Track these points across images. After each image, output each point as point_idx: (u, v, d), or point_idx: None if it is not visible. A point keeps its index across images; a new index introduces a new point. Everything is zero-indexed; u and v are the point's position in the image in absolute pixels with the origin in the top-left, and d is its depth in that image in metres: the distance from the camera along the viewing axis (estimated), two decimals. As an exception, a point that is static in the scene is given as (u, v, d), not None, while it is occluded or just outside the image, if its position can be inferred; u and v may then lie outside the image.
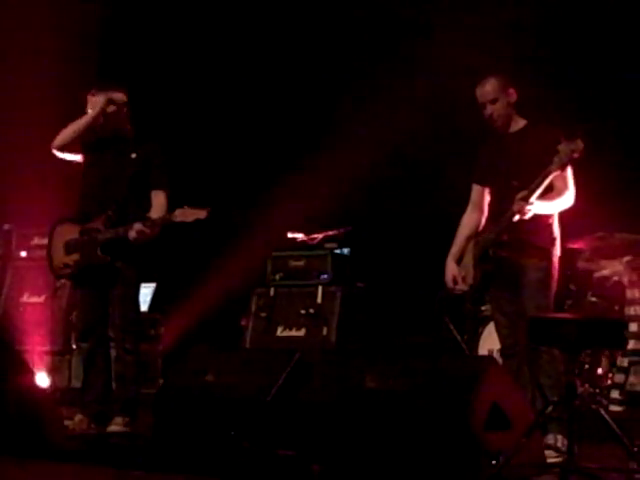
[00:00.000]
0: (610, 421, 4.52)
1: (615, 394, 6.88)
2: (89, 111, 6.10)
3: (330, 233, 7.30)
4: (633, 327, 7.07)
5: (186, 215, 5.73)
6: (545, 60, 8.16)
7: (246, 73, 9.18)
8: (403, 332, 7.33)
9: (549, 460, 4.93)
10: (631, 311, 7.25)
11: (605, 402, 6.72)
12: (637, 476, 4.42)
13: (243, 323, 7.39)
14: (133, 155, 6.06)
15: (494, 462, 4.29)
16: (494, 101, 5.50)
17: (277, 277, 7.13)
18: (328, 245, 7.21)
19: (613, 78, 8.10)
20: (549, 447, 5.09)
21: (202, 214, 5.72)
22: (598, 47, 8.13)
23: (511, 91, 5.53)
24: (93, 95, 6.12)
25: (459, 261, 5.74)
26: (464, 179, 5.91)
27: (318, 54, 8.79)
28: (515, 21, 8.17)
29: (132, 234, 5.82)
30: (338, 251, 7.15)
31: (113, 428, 5.94)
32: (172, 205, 5.90)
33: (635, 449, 4.46)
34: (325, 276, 6.97)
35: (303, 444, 4.65)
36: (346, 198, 8.35)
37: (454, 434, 4.28)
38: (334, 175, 8.22)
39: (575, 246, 7.27)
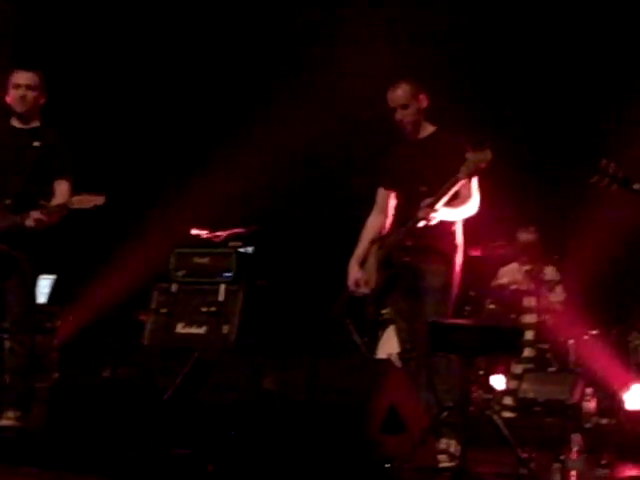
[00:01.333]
0: (502, 427, 4.59)
1: (508, 400, 7.02)
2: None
3: (235, 231, 7.25)
4: (528, 335, 7.22)
5: (83, 201, 5.61)
6: (455, 68, 8.27)
7: (155, 62, 9.06)
8: (304, 333, 7.32)
9: (441, 465, 4.98)
10: (527, 319, 7.41)
11: (498, 408, 6.84)
12: (526, 482, 4.50)
13: (142, 318, 7.30)
14: (36, 143, 5.93)
15: (388, 465, 4.32)
16: (405, 106, 5.53)
17: (180, 273, 7.05)
18: (233, 243, 7.15)
19: (522, 88, 8.27)
20: (442, 452, 5.14)
21: (100, 200, 5.61)
22: (509, 55, 8.27)
23: (422, 97, 5.56)
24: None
25: (362, 264, 5.76)
26: (370, 182, 5.94)
27: (229, 52, 8.73)
28: (425, 27, 8.25)
29: (29, 222, 5.68)
30: (242, 250, 7.11)
31: (4, 422, 5.78)
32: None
33: (525, 455, 4.54)
34: (228, 274, 6.92)
35: (199, 444, 4.61)
36: (251, 197, 8.33)
37: (351, 437, 4.29)
38: (239, 173, 8.19)
39: (476, 253, 7.38)
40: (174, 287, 7.05)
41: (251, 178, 8.13)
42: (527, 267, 7.80)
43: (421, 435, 4.55)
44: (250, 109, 8.56)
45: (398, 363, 5.82)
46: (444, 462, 5.02)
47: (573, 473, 4.32)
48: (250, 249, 7.24)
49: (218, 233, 7.37)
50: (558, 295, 7.70)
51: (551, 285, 7.76)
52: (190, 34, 8.92)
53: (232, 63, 8.81)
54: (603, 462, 4.43)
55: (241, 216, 7.80)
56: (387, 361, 5.91)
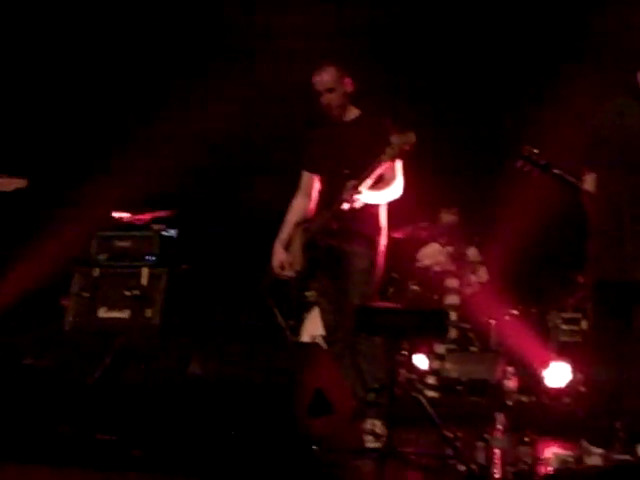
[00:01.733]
0: (429, 408, 4.65)
1: (431, 380, 7.09)
2: None
3: (158, 214, 7.18)
4: (451, 316, 7.30)
5: (4, 184, 5.52)
6: (378, 52, 8.29)
7: (71, 39, 8.88)
8: (228, 316, 7.30)
9: (368, 445, 5.02)
10: (449, 300, 7.49)
11: (421, 388, 6.91)
12: (451, 461, 4.55)
13: (64, 303, 7.19)
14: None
15: (315, 447, 4.33)
16: (331, 90, 5.53)
17: (102, 257, 6.96)
18: (155, 226, 7.08)
19: (444, 73, 8.34)
20: (368, 432, 5.18)
21: (22, 183, 5.52)
22: (431, 40, 8.32)
23: (347, 81, 5.57)
24: None
25: (287, 247, 5.75)
26: (294, 164, 5.93)
27: (152, 31, 8.61)
28: (348, 11, 8.25)
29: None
30: (165, 233, 7.04)
31: None
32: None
33: (450, 434, 4.60)
34: (151, 258, 6.85)
35: (124, 429, 4.57)
36: (174, 179, 8.24)
37: (278, 419, 4.30)
38: (161, 155, 8.10)
39: (398, 235, 7.43)
40: (96, 271, 6.97)
41: (173, 160, 8.04)
42: (449, 248, 7.88)
43: (348, 417, 4.57)
44: (172, 89, 8.47)
45: (323, 345, 5.84)
46: (370, 442, 5.07)
47: (497, 451, 4.38)
48: (173, 232, 7.19)
49: (140, 216, 7.30)
50: (480, 276, 7.80)
51: (473, 266, 7.85)
52: (112, 9, 8.76)
53: (154, 42, 8.68)
54: (526, 439, 4.50)
55: (163, 198, 7.73)
56: (313, 344, 5.92)
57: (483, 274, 7.81)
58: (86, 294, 6.83)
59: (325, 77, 5.55)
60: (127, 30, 8.63)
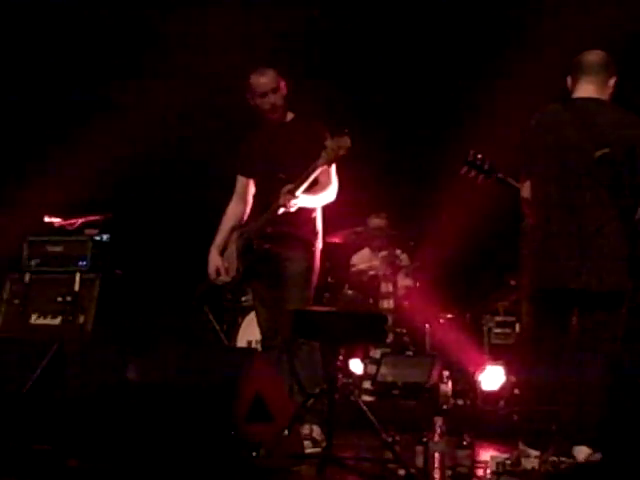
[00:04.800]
0: (368, 413, 4.64)
1: (367, 384, 7.11)
2: None
3: (90, 219, 7.08)
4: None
5: None
6: (312, 55, 8.30)
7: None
8: (163, 322, 7.23)
9: (307, 450, 5.00)
10: (384, 304, 7.52)
11: (357, 392, 6.92)
12: (391, 465, 4.55)
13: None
14: None
15: (254, 454, 4.30)
16: (275, 90, 5.53)
17: (33, 263, 6.83)
18: (88, 231, 6.98)
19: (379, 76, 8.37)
20: (306, 437, 5.17)
21: None
22: (364, 44, 8.35)
23: (283, 84, 5.58)
24: None
25: (222, 252, 5.72)
26: (229, 169, 5.90)
27: (82, 32, 8.48)
28: (282, 14, 8.23)
29: None
30: (98, 237, 6.94)
31: None
32: None
33: (389, 439, 4.60)
34: (84, 263, 6.75)
35: (60, 438, 4.49)
36: (106, 183, 8.15)
37: (216, 425, 4.26)
38: (94, 159, 7.99)
39: (334, 240, 7.44)
40: (27, 277, 6.83)
41: (106, 163, 7.94)
42: (384, 253, 7.92)
43: (287, 422, 4.55)
44: (105, 91, 8.36)
45: (260, 350, 5.82)
46: (308, 448, 5.06)
47: (436, 455, 4.39)
48: (106, 237, 7.09)
49: (72, 220, 7.19)
50: (414, 280, 7.85)
51: (407, 270, 7.90)
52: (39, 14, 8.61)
53: (84, 43, 8.55)
54: (464, 443, 4.52)
55: (96, 203, 7.62)
56: (251, 349, 5.90)
57: (416, 278, 7.87)
58: (17, 300, 6.69)
59: (268, 78, 5.55)
60: (62, 30, 8.49)
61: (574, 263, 4.63)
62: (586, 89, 4.83)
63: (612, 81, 4.87)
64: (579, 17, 7.36)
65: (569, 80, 4.92)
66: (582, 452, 4.57)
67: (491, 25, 8.05)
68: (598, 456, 4.47)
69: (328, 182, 5.53)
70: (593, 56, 4.88)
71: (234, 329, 7.51)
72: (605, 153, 4.62)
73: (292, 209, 5.33)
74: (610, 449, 3.98)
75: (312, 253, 5.55)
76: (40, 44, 8.46)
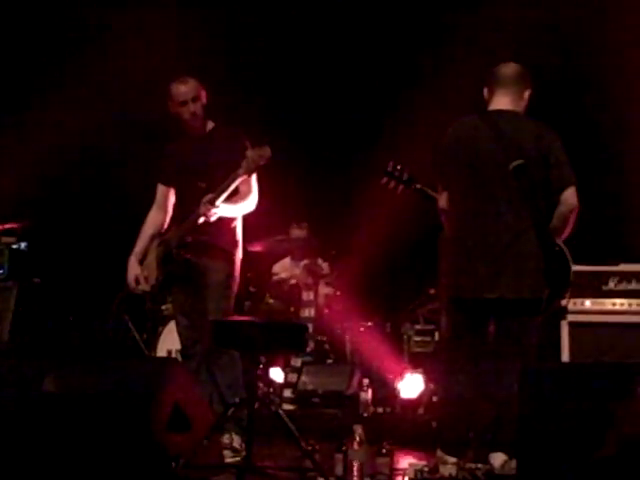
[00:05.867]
0: (288, 422, 4.65)
1: (287, 393, 7.12)
2: None
3: (7, 226, 6.99)
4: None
5: None
6: (233, 64, 8.30)
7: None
8: (81, 331, 7.16)
9: (227, 460, 5.00)
10: (305, 313, 7.55)
11: (277, 401, 6.93)
12: (310, 474, 4.57)
13: None
14: None
15: (174, 464, 4.28)
16: (195, 99, 5.52)
17: (-52, 272, 6.74)
18: (5, 239, 6.90)
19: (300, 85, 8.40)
20: (226, 447, 5.17)
21: None
22: (288, 52, 8.37)
23: (203, 93, 5.58)
24: None
25: (142, 260, 5.69)
26: (150, 177, 5.88)
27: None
28: (204, 23, 8.22)
29: None
30: (15, 246, 6.87)
31: None
32: None
33: (309, 448, 4.62)
34: (1, 271, 6.67)
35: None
36: (24, 190, 8.03)
37: (135, 436, 4.22)
38: (11, 165, 7.88)
39: (255, 249, 7.44)
40: (-59, 286, 6.73)
41: (24, 170, 7.83)
42: (305, 261, 7.95)
43: (208, 432, 4.54)
44: (25, 95, 8.24)
45: (179, 359, 5.79)
46: (228, 457, 5.06)
47: (355, 463, 4.42)
48: (23, 245, 7.01)
49: (-11, 228, 7.10)
50: (334, 289, 7.88)
51: (328, 279, 7.94)
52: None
53: (12, 41, 8.43)
54: (383, 450, 4.56)
55: (13, 210, 7.52)
56: (171, 358, 5.86)
57: (337, 287, 7.90)
58: None
59: (189, 86, 5.54)
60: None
61: (490, 272, 4.71)
62: (502, 101, 4.92)
63: (527, 93, 4.96)
64: (496, 24, 7.50)
65: (485, 91, 5.01)
66: (498, 459, 4.65)
67: (410, 34, 8.14)
68: (513, 463, 4.54)
69: (248, 192, 5.53)
70: (508, 68, 4.97)
71: (154, 338, 7.47)
72: (520, 164, 4.71)
73: (212, 218, 5.34)
74: (525, 456, 4.04)
75: (232, 262, 5.55)
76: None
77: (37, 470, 4.26)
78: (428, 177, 5.16)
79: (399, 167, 5.14)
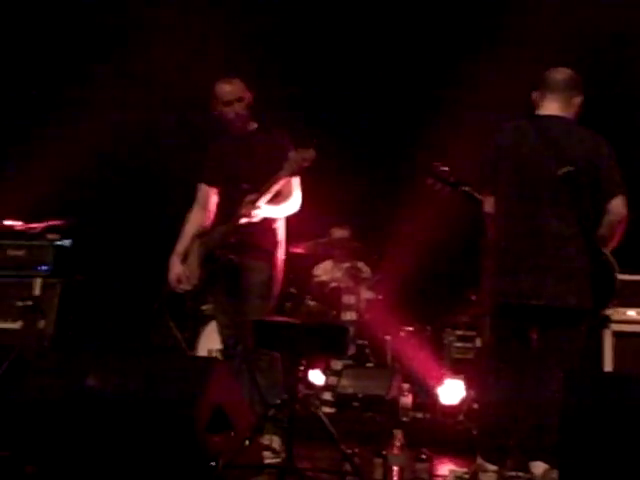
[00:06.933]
0: (329, 425, 4.64)
1: (327, 396, 7.11)
2: None
3: (52, 223, 7.05)
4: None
5: None
6: (279, 66, 8.31)
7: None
8: (124, 329, 7.20)
9: (266, 461, 4.99)
10: (347, 316, 7.53)
11: (317, 403, 6.92)
12: (349, 477, 4.56)
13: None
14: None
15: (214, 464, 4.29)
16: (240, 99, 5.53)
17: (-6, 267, 6.80)
18: (50, 236, 6.95)
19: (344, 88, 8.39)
20: (265, 448, 5.16)
21: None
22: (333, 55, 8.36)
23: (248, 94, 5.58)
24: None
25: (184, 259, 5.70)
26: (192, 177, 5.89)
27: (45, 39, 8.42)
28: (246, 24, 8.24)
29: None
30: (60, 242, 6.92)
31: None
32: None
33: (349, 451, 4.61)
34: (45, 267, 6.72)
35: (18, 444, 4.44)
36: (69, 188, 8.10)
37: (178, 436, 4.23)
38: (57, 163, 7.94)
39: (297, 250, 7.44)
40: (-13, 281, 6.80)
41: (69, 168, 7.89)
42: (347, 264, 7.94)
43: (250, 433, 4.54)
44: (69, 95, 8.31)
45: (220, 359, 5.79)
46: (268, 458, 5.05)
47: (395, 468, 4.41)
48: (68, 242, 7.06)
49: (34, 225, 7.16)
50: (376, 293, 7.87)
51: (369, 283, 7.92)
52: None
53: (46, 51, 8.50)
54: (423, 456, 4.54)
55: (58, 208, 7.58)
56: (213, 358, 5.86)
57: (378, 291, 7.88)
58: (-23, 305, 6.66)
59: (234, 86, 5.55)
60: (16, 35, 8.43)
61: (535, 279, 4.67)
62: (550, 106, 4.88)
63: (578, 99, 4.91)
64: (548, 28, 7.43)
65: (535, 95, 4.96)
66: (539, 467, 4.61)
67: (456, 36, 8.09)
68: (555, 472, 4.50)
69: (291, 193, 5.54)
70: (559, 74, 4.92)
71: (195, 337, 7.49)
72: (569, 171, 4.66)
73: (254, 219, 5.34)
74: (566, 465, 4.00)
75: (274, 263, 5.55)
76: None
77: (77, 465, 4.28)
78: (471, 180, 5.12)
79: (445, 169, 5.10)
